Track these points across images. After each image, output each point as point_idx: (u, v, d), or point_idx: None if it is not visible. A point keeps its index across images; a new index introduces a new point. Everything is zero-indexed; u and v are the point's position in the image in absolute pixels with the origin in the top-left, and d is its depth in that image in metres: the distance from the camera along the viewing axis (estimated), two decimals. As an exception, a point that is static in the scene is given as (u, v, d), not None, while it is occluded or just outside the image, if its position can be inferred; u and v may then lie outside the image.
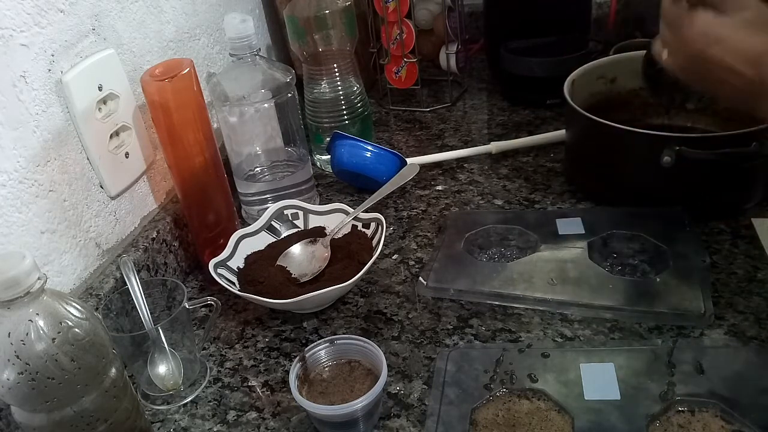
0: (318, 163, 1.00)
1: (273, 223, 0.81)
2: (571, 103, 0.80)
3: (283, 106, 0.84)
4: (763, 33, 0.53)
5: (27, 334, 0.45)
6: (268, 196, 0.86)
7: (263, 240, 0.79)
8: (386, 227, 0.75)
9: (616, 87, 0.91)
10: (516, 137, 0.98)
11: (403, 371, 0.63)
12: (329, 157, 0.92)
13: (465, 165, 0.95)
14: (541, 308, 0.67)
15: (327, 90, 0.94)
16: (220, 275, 0.72)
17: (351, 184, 0.93)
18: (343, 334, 0.68)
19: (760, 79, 0.52)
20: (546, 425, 0.54)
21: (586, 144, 0.83)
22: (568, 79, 0.85)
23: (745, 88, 0.54)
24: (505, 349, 0.62)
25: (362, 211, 0.79)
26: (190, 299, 0.65)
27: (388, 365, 0.57)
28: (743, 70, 0.53)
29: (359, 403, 0.53)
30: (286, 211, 0.81)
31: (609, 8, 1.18)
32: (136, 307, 0.63)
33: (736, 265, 0.69)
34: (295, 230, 0.81)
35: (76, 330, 0.47)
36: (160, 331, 0.62)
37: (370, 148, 0.89)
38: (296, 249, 0.77)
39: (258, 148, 0.88)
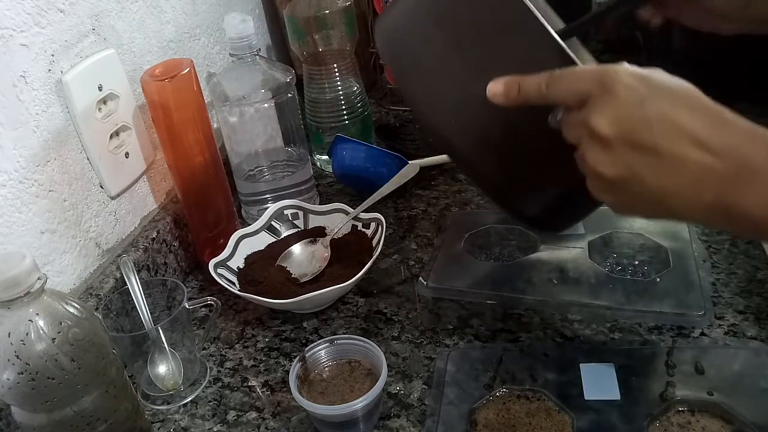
0: (318, 163, 1.00)
1: (273, 223, 0.81)
2: (571, 103, 0.80)
3: (283, 106, 0.84)
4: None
5: (27, 334, 0.45)
6: (268, 196, 0.86)
7: (263, 240, 0.79)
8: (386, 227, 0.75)
9: (616, 87, 0.90)
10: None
11: (403, 371, 0.63)
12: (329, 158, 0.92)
13: (465, 165, 0.95)
14: (541, 308, 0.67)
15: (327, 90, 0.94)
16: (220, 275, 0.72)
17: (354, 188, 0.93)
18: (343, 334, 0.68)
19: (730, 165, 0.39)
20: (546, 425, 0.54)
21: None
22: (568, 79, 0.85)
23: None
24: (505, 349, 0.62)
25: (362, 211, 0.78)
26: (190, 299, 0.65)
27: (388, 365, 0.57)
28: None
29: (359, 403, 0.53)
30: (286, 211, 0.81)
31: (609, 8, 1.17)
32: (136, 307, 0.63)
33: (736, 265, 0.69)
34: (295, 230, 0.81)
35: (76, 330, 0.47)
36: (160, 331, 0.62)
37: (371, 151, 0.89)
38: (296, 249, 0.77)
39: (258, 148, 0.88)
